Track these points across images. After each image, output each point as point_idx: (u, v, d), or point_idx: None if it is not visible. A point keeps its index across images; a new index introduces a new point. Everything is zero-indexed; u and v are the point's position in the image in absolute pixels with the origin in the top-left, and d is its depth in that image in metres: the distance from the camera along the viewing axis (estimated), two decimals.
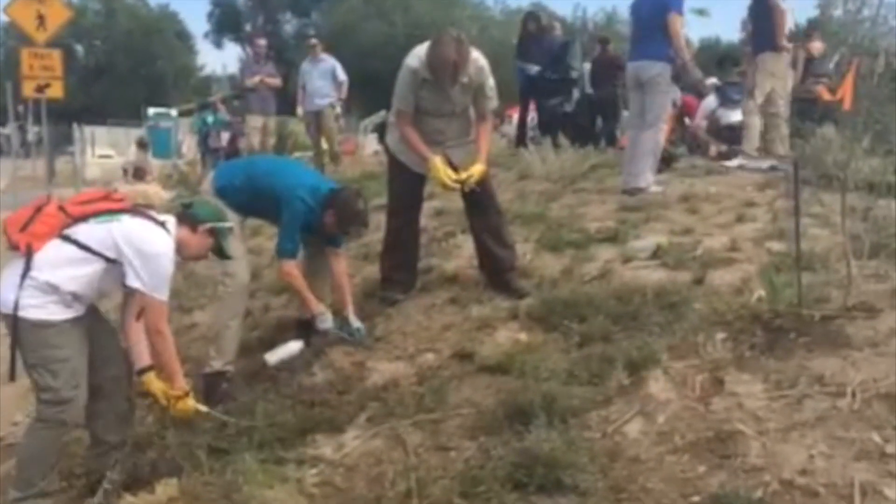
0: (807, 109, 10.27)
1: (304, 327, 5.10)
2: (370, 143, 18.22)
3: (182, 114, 32.39)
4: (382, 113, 19.26)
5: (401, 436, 3.87)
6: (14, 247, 3.88)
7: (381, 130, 19.87)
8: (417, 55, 4.95)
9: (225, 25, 51.16)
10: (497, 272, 5.30)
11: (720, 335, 4.17)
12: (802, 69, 10.17)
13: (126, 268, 3.83)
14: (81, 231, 3.89)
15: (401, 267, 5.37)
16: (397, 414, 4.06)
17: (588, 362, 4.12)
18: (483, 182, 5.11)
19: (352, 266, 5.85)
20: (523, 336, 4.64)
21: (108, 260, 3.86)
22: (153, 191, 12.76)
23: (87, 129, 23.01)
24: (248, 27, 49.94)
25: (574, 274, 5.39)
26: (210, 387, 4.77)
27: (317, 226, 4.83)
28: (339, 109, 12.51)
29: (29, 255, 3.83)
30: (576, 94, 12.02)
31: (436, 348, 4.72)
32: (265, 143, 12.33)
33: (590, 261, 5.62)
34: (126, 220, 3.92)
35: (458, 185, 5.05)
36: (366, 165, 11.70)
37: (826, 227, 5.90)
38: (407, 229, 5.35)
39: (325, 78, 12.03)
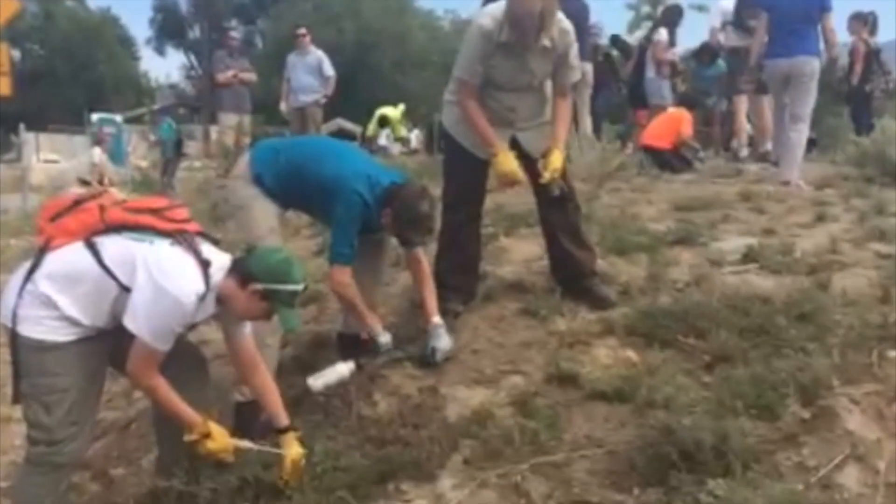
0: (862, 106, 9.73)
1: (349, 344, 4.20)
2: None
3: (128, 120, 31.02)
4: (338, 121, 18.51)
5: (520, 485, 3.02)
6: (38, 235, 3.15)
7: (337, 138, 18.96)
8: (490, 14, 4.11)
9: (168, 32, 49.46)
10: (576, 277, 4.46)
11: (893, 353, 3.39)
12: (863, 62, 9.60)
13: (129, 301, 2.97)
14: (108, 243, 3.06)
15: (460, 270, 4.49)
16: (504, 455, 3.19)
17: (737, 389, 3.30)
18: (563, 174, 4.28)
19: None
20: (631, 354, 3.82)
21: (121, 286, 3.00)
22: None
23: (30, 135, 21.63)
24: (191, 34, 48.58)
25: (662, 280, 4.57)
26: (244, 420, 3.81)
27: (375, 225, 3.94)
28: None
29: (42, 251, 3.05)
30: None
31: (521, 369, 3.86)
32: (240, 143, 11.34)
33: (672, 265, 4.81)
34: (161, 245, 3.06)
35: (516, 177, 4.23)
36: None
37: None
38: (468, 227, 4.46)
39: (311, 72, 11.10)
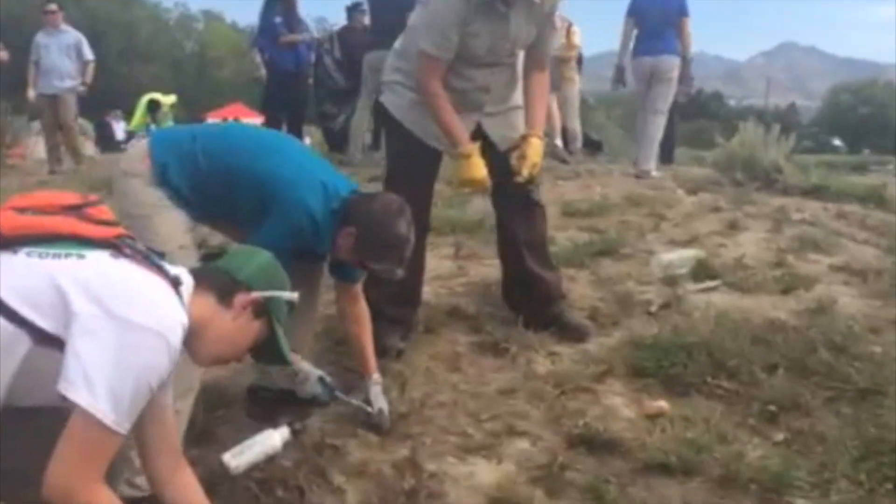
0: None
1: (268, 401, 3.09)
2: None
3: None
4: None
5: None
6: None
7: None
8: None
9: None
10: (545, 303, 3.60)
11: None
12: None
13: (66, 356, 1.65)
14: (1, 266, 1.72)
15: (398, 297, 3.48)
16: None
17: (842, 453, 2.60)
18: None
19: None
20: (662, 404, 3.02)
21: (36, 334, 1.68)
22: None
23: None
24: None
25: (629, 303, 3.84)
26: None
27: (320, 249, 2.85)
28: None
29: None
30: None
31: (520, 429, 2.94)
32: None
33: (618, 283, 4.12)
34: (98, 258, 1.77)
35: (484, 186, 3.34)
36: (88, 176, 8.33)
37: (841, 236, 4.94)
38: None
39: (66, 54, 9.55)
